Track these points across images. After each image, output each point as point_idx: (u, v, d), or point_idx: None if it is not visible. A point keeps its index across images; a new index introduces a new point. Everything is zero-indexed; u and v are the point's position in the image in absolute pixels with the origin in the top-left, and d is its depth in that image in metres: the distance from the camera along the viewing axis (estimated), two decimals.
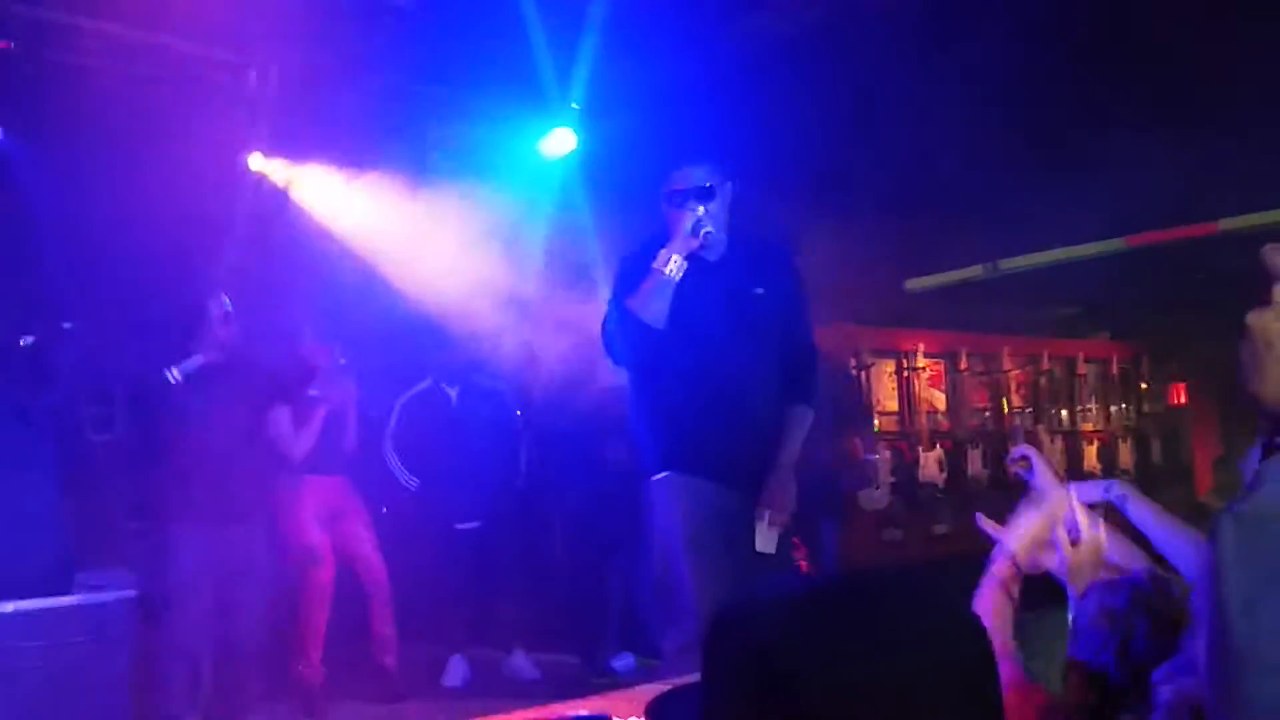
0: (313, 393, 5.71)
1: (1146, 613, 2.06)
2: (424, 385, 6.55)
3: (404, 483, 6.40)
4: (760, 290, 3.94)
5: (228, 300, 5.24)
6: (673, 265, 3.73)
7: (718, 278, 3.86)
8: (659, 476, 3.88)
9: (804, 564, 6.50)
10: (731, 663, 1.07)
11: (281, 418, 5.74)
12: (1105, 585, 2.18)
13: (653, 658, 6.59)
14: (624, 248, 6.42)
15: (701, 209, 3.76)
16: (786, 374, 4.00)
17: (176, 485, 4.98)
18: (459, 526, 6.39)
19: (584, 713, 4.97)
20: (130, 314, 5.99)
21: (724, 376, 3.87)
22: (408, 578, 6.25)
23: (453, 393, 6.57)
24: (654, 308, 3.73)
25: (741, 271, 3.93)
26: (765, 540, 3.81)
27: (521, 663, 6.45)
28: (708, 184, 3.83)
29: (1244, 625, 0.92)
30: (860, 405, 8.06)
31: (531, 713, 5.39)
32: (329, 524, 5.88)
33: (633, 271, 3.87)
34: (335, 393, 5.83)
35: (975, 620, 1.09)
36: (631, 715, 4.18)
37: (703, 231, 3.75)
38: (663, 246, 3.82)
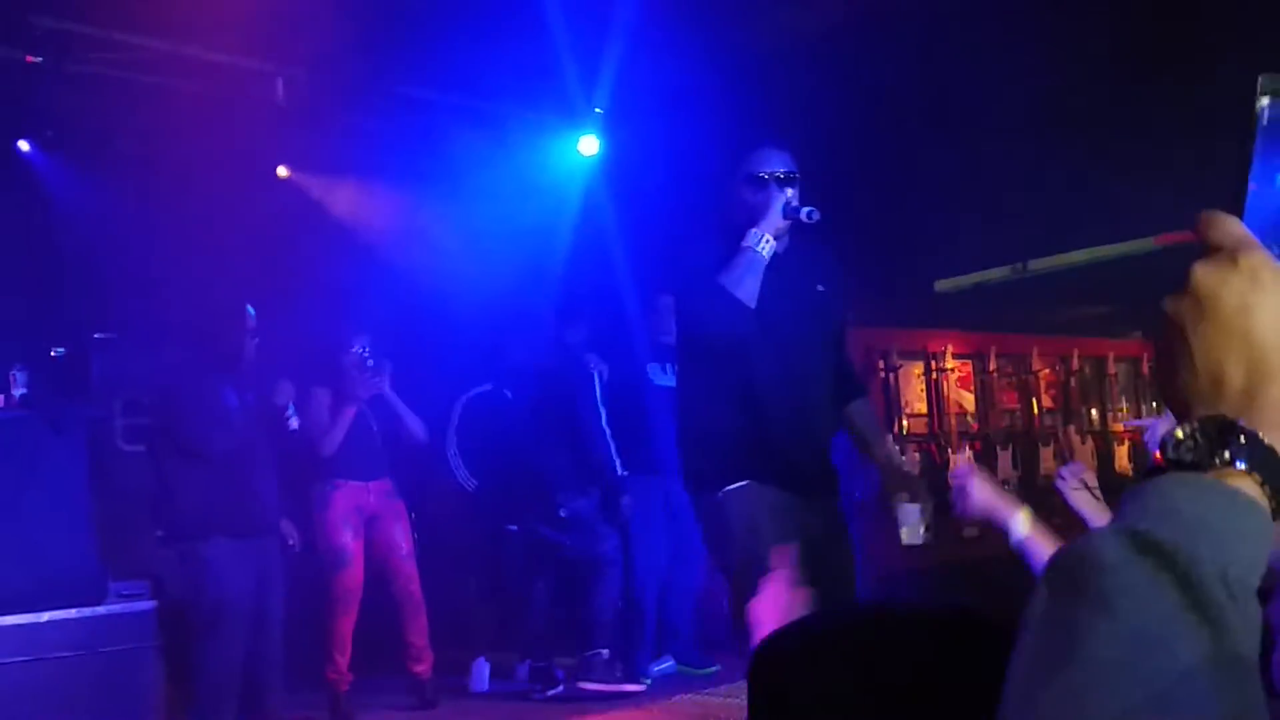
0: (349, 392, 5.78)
1: None
2: (484, 388, 6.54)
3: (463, 482, 6.41)
4: (822, 288, 3.89)
5: (251, 310, 5.30)
6: (764, 244, 3.65)
7: (784, 273, 3.74)
8: (736, 486, 3.72)
9: None
10: (774, 698, 1.08)
11: (320, 402, 5.77)
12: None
13: (692, 666, 6.58)
14: (651, 245, 6.48)
15: (790, 191, 3.70)
16: (840, 372, 3.98)
17: (209, 495, 5.02)
18: (510, 528, 6.41)
19: None
20: (161, 324, 6.04)
21: (802, 379, 3.81)
22: (453, 579, 6.27)
23: (508, 394, 6.57)
24: (748, 284, 3.63)
25: (804, 267, 3.85)
26: (913, 531, 3.76)
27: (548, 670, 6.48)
28: (793, 169, 3.77)
29: (1019, 704, 0.70)
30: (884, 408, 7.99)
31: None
32: (363, 529, 5.90)
33: (711, 254, 3.76)
34: (363, 391, 5.83)
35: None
36: None
37: (805, 211, 3.68)
38: (726, 230, 3.76)
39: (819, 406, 3.88)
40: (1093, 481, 2.59)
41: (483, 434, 6.48)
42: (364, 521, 5.91)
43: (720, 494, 3.73)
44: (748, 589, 3.75)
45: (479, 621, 6.51)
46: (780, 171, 3.74)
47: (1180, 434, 0.76)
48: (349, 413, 5.81)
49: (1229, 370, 0.77)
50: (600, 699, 6.01)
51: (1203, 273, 0.80)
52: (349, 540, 5.81)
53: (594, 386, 6.52)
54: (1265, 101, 0.83)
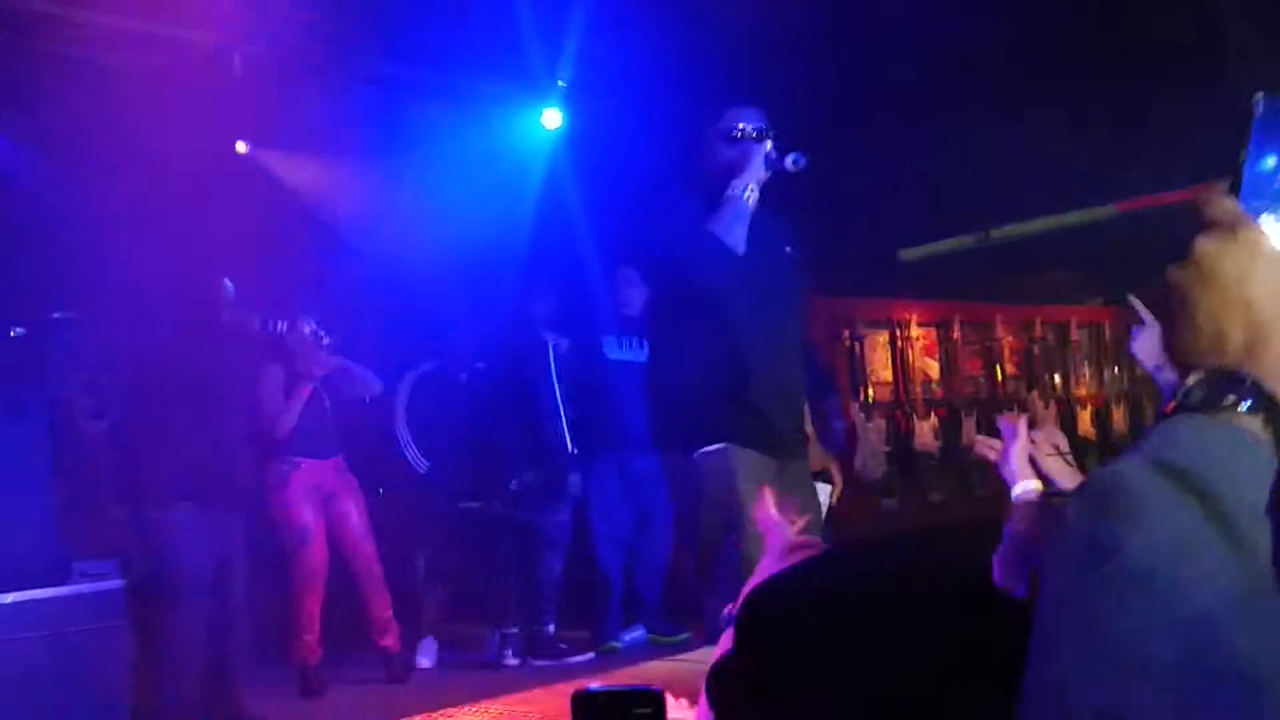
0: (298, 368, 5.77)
1: None
2: (429, 366, 6.53)
3: (413, 462, 6.41)
4: (789, 249, 3.93)
5: (230, 284, 5.30)
6: (749, 193, 3.68)
7: (759, 231, 3.75)
8: (714, 448, 3.73)
9: None
10: (766, 644, 1.07)
11: (273, 378, 5.75)
12: None
13: (662, 635, 6.62)
14: (615, 218, 6.47)
15: (769, 144, 3.72)
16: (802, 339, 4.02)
17: (172, 470, 5.00)
18: (463, 505, 6.42)
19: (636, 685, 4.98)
20: (121, 302, 5.98)
21: (778, 335, 3.84)
22: (406, 557, 6.30)
23: (462, 375, 6.57)
24: (736, 231, 3.65)
25: (774, 229, 3.87)
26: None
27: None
28: (768, 125, 3.81)
29: (1063, 598, 0.78)
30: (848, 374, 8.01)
31: (565, 685, 5.45)
32: (321, 506, 5.88)
33: (690, 208, 3.78)
34: (318, 369, 5.82)
35: (1009, 600, 1.08)
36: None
37: (790, 159, 3.70)
38: (703, 188, 3.78)
39: (794, 367, 3.91)
40: (1064, 446, 2.63)
41: (433, 412, 6.49)
42: (321, 500, 5.90)
43: (696, 455, 3.74)
44: (719, 553, 3.80)
45: (427, 599, 6.52)
46: (753, 128, 3.77)
47: (1190, 381, 0.86)
48: (303, 391, 5.80)
49: (1230, 332, 0.86)
50: (551, 674, 6.04)
51: (1204, 245, 0.89)
52: (310, 518, 5.80)
53: (548, 361, 6.53)
54: (1260, 95, 0.93)
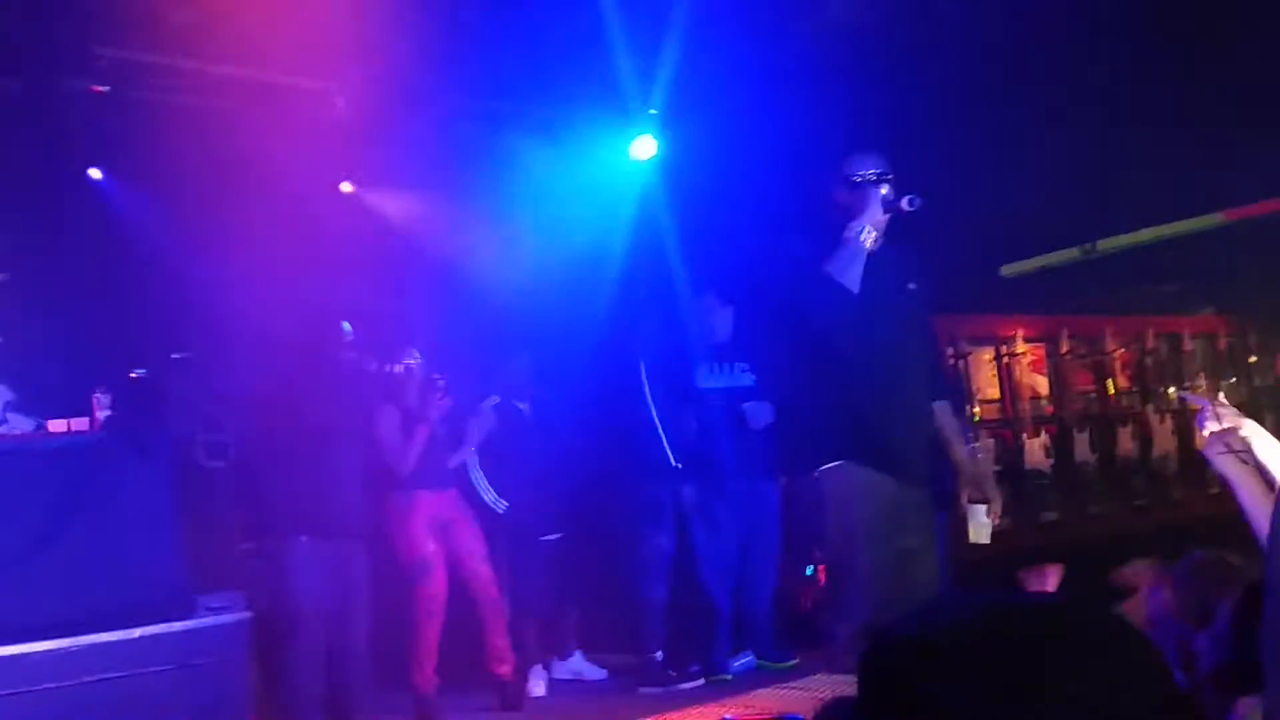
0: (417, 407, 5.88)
1: None
2: (493, 401, 6.55)
3: (491, 504, 6.45)
4: (913, 285, 4.08)
5: (349, 326, 5.46)
6: (867, 236, 3.85)
7: (880, 269, 3.93)
8: (832, 466, 3.89)
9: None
10: (892, 693, 1.07)
11: (389, 421, 5.86)
12: None
13: (771, 661, 6.59)
14: (705, 246, 6.52)
15: (886, 188, 3.89)
16: (930, 369, 4.17)
17: (295, 495, 5.18)
18: (544, 539, 6.49)
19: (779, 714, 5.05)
20: (240, 342, 6.16)
21: (899, 367, 3.97)
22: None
23: (524, 407, 6.63)
24: (852, 272, 3.83)
25: (898, 266, 4.03)
26: (981, 531, 3.88)
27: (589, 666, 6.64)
28: (887, 169, 3.98)
29: None
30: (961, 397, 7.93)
31: (676, 715, 5.50)
32: (440, 537, 5.97)
33: (811, 247, 3.95)
34: (434, 412, 5.92)
35: (1146, 643, 1.06)
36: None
37: (906, 200, 3.88)
38: (822, 229, 3.95)
39: (916, 394, 4.03)
40: (1240, 445, 2.52)
41: (500, 448, 6.50)
42: (441, 529, 5.98)
43: (816, 473, 3.91)
44: (841, 564, 3.89)
45: (533, 629, 6.56)
46: (874, 172, 3.94)
47: None
48: (421, 433, 5.88)
49: None
50: (659, 701, 6.06)
51: None
52: (431, 549, 5.88)
53: (641, 379, 6.56)
54: None
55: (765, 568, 6.64)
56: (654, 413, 6.52)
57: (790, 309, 4.06)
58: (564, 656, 6.67)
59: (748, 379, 6.55)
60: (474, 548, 6.06)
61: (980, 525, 3.89)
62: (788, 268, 4.04)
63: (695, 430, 6.54)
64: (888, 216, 3.91)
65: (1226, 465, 2.50)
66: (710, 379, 6.57)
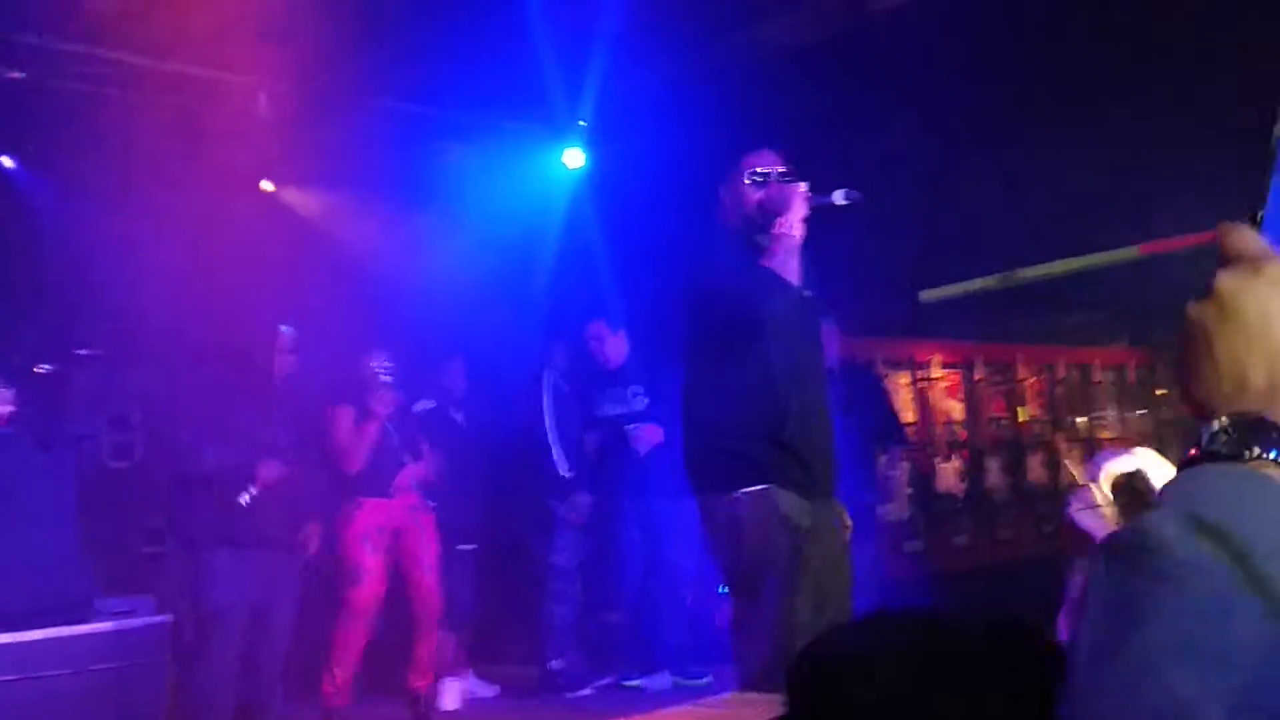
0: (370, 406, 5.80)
1: None
2: (427, 405, 6.52)
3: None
4: (811, 293, 3.90)
5: (290, 330, 5.38)
6: (797, 229, 3.73)
7: (802, 270, 3.80)
8: (756, 489, 3.70)
9: None
10: (821, 712, 1.06)
11: (343, 421, 5.78)
12: None
13: (685, 678, 6.59)
14: (637, 256, 6.53)
15: (804, 184, 3.78)
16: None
17: (216, 511, 5.06)
18: (460, 548, 6.44)
19: None
20: (147, 340, 6.03)
21: (816, 380, 3.87)
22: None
23: (458, 416, 6.60)
24: (792, 265, 3.71)
25: (806, 270, 3.86)
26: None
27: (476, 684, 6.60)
28: (789, 168, 3.88)
29: (1088, 678, 0.74)
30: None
31: None
32: (385, 545, 5.89)
33: (738, 248, 3.83)
34: (381, 408, 5.82)
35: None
36: None
37: (842, 193, 3.74)
38: (739, 230, 3.85)
39: (828, 408, 3.91)
40: (1102, 500, 2.64)
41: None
42: (388, 537, 5.90)
43: (737, 494, 3.71)
44: (756, 593, 3.79)
45: (446, 641, 6.52)
46: (781, 168, 3.85)
47: (1215, 426, 0.82)
48: (370, 430, 5.80)
49: (1251, 371, 0.82)
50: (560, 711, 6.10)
51: (1226, 280, 0.85)
52: (368, 557, 5.78)
53: (541, 391, 6.59)
54: None
55: (671, 585, 6.66)
56: (550, 429, 6.53)
57: (727, 306, 3.81)
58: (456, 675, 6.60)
59: (640, 403, 6.60)
60: (422, 556, 5.97)
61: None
62: (724, 263, 3.86)
63: (592, 450, 6.63)
64: (812, 211, 3.78)
65: (1086, 519, 2.65)
66: (604, 404, 6.61)
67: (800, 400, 3.75)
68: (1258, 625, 0.71)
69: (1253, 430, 0.81)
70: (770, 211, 3.78)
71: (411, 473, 6.00)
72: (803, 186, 3.77)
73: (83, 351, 6.08)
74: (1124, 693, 0.72)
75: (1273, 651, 0.70)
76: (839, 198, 3.74)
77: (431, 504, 6.16)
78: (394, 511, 5.92)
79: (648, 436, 6.52)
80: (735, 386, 3.79)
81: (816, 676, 1.08)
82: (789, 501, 3.68)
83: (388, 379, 5.83)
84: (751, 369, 3.76)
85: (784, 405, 3.73)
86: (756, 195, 3.84)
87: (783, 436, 3.72)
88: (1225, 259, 0.86)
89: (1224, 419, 0.82)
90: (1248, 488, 0.78)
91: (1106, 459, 2.71)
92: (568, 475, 6.53)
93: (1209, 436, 0.82)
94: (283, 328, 5.44)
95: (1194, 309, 0.85)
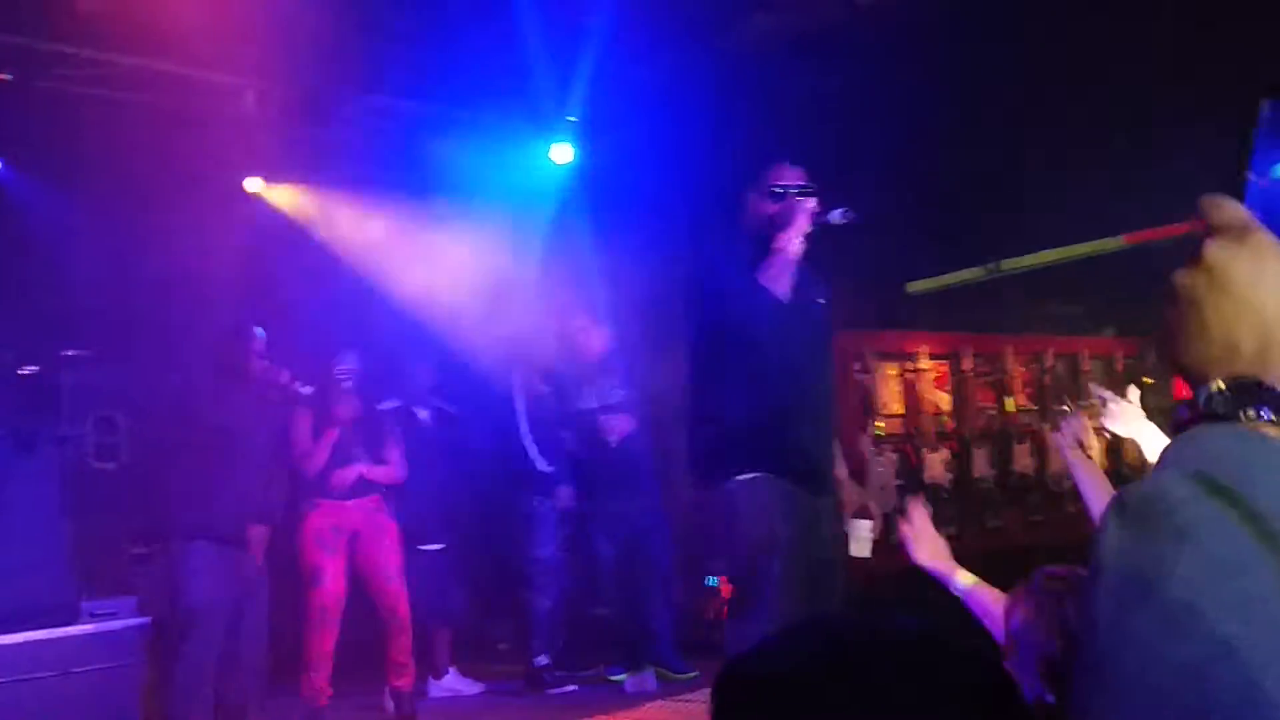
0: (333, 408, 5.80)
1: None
2: (390, 406, 6.47)
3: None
4: (822, 300, 4.16)
5: (261, 331, 5.39)
6: (795, 246, 3.93)
7: (800, 282, 4.00)
8: (748, 477, 3.88)
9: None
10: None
11: (302, 424, 5.78)
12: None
13: (671, 672, 6.58)
14: (625, 250, 6.53)
15: (814, 201, 3.98)
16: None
17: (192, 507, 5.05)
18: (423, 548, 6.42)
19: None
20: (133, 341, 6.00)
21: (814, 378, 4.07)
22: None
23: (424, 415, 6.58)
24: (784, 282, 3.91)
25: (809, 280, 4.08)
26: (862, 545, 3.91)
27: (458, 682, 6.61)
28: (810, 184, 4.07)
29: (1107, 639, 0.74)
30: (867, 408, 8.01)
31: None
32: (342, 547, 5.87)
33: (741, 256, 4.02)
34: (342, 413, 5.82)
35: (1002, 674, 1.06)
36: None
37: (838, 212, 3.97)
38: (749, 238, 4.03)
39: (826, 405, 4.16)
40: (1091, 441, 2.65)
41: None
42: (344, 540, 5.88)
43: (731, 483, 3.87)
44: (749, 579, 3.88)
45: (430, 639, 6.52)
46: (800, 185, 4.04)
47: (1213, 388, 0.84)
48: (330, 435, 5.80)
49: (1242, 337, 0.85)
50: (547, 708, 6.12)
51: (1214, 250, 0.87)
52: (324, 559, 5.78)
53: (513, 389, 6.60)
54: (1265, 101, 0.93)
55: (656, 579, 6.65)
56: (522, 426, 6.53)
57: (719, 315, 4.04)
58: (438, 676, 6.58)
59: (616, 396, 6.59)
60: (382, 562, 5.95)
61: (862, 540, 3.95)
62: (721, 273, 4.07)
63: (570, 444, 6.64)
64: (813, 229, 3.98)
65: (1076, 459, 2.66)
66: (583, 398, 6.60)
67: (795, 397, 3.93)
68: (1273, 579, 0.72)
69: (1248, 392, 0.83)
70: (776, 226, 3.98)
71: (363, 474, 5.96)
72: (811, 203, 3.97)
73: (68, 352, 6.04)
74: (1156, 642, 0.72)
75: None
76: (836, 217, 3.97)
77: (390, 507, 6.13)
78: (350, 514, 5.91)
79: (618, 427, 6.52)
80: (729, 385, 3.98)
81: (738, 694, 1.08)
82: (785, 488, 3.83)
83: (348, 384, 5.83)
84: (743, 371, 3.95)
85: (776, 404, 3.90)
86: (771, 209, 4.03)
87: (777, 432, 3.89)
88: (1212, 229, 0.88)
89: (1220, 382, 0.84)
90: (1250, 448, 0.80)
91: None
92: (547, 470, 6.52)
93: (1206, 397, 0.84)
94: (257, 330, 5.44)
95: (1183, 277, 0.88)
